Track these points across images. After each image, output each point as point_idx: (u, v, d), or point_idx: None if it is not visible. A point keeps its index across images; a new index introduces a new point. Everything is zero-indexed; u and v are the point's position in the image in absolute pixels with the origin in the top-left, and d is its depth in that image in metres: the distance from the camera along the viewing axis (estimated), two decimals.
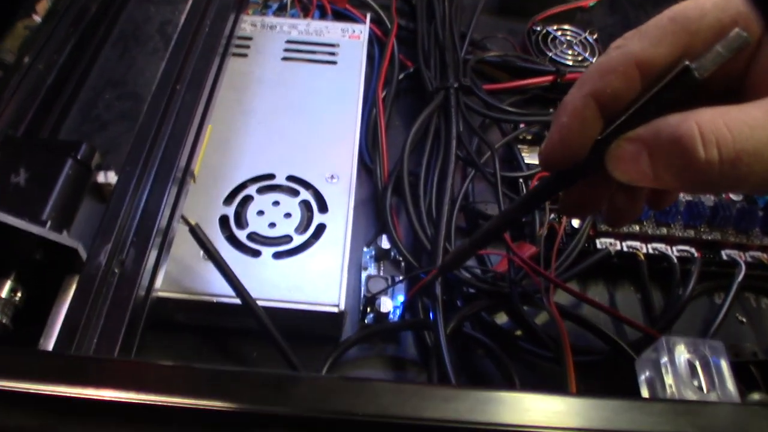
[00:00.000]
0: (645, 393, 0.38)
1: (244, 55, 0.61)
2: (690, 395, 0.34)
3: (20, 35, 0.62)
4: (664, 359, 0.36)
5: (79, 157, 0.43)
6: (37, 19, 0.64)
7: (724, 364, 0.35)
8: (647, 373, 0.38)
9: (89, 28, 0.64)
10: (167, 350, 0.46)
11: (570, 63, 0.69)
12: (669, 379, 0.35)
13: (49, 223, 0.39)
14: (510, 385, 0.46)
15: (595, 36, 0.73)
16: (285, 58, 0.61)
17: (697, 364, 0.35)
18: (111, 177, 0.44)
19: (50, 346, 0.34)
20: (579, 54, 0.70)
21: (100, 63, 0.66)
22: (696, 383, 0.35)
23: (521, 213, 0.37)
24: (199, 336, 0.47)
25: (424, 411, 0.26)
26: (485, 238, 0.40)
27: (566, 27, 0.73)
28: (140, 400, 0.26)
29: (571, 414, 0.27)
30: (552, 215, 0.53)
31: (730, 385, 0.34)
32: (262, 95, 0.57)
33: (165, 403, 0.26)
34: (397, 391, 0.27)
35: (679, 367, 0.35)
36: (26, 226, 0.36)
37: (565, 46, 0.70)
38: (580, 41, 0.71)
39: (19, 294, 0.38)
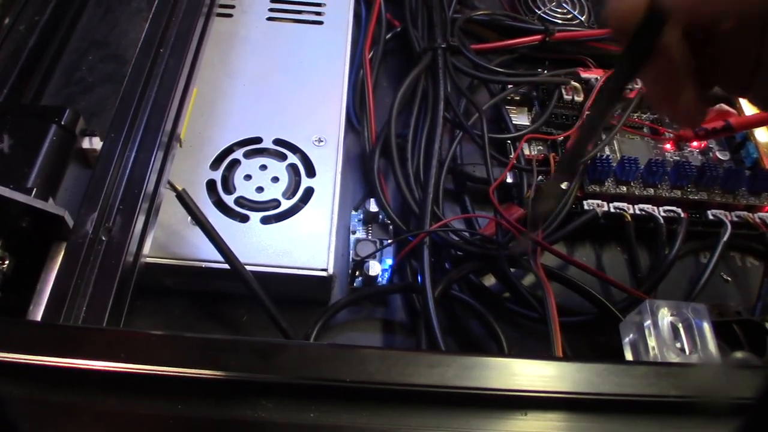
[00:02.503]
0: (628, 355, 0.38)
1: (229, 15, 0.60)
2: (672, 357, 0.35)
3: None
4: (648, 322, 0.36)
5: (63, 123, 0.42)
6: None
7: (707, 327, 0.36)
8: (631, 336, 0.38)
9: None
10: (157, 315, 0.46)
11: (559, 21, 0.68)
12: (652, 342, 0.36)
13: (34, 191, 0.39)
14: (497, 347, 0.46)
15: None
16: (270, 18, 0.60)
17: (680, 326, 0.36)
18: (96, 142, 0.44)
19: (39, 316, 0.34)
20: (568, 12, 0.69)
21: (82, 24, 0.65)
22: (678, 345, 0.35)
23: (617, 97, 0.35)
24: (188, 301, 0.47)
25: (411, 377, 0.26)
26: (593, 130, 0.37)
27: None
28: (129, 369, 0.26)
29: (556, 378, 0.27)
30: (540, 177, 0.53)
31: (712, 346, 0.35)
32: (247, 56, 0.56)
33: (154, 373, 0.26)
34: (384, 357, 0.27)
35: (662, 329, 0.35)
36: (11, 194, 0.36)
37: (554, 3, 0.70)
38: None
39: (6, 262, 0.38)
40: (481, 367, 0.27)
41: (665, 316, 0.36)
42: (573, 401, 0.28)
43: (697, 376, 0.29)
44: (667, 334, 0.35)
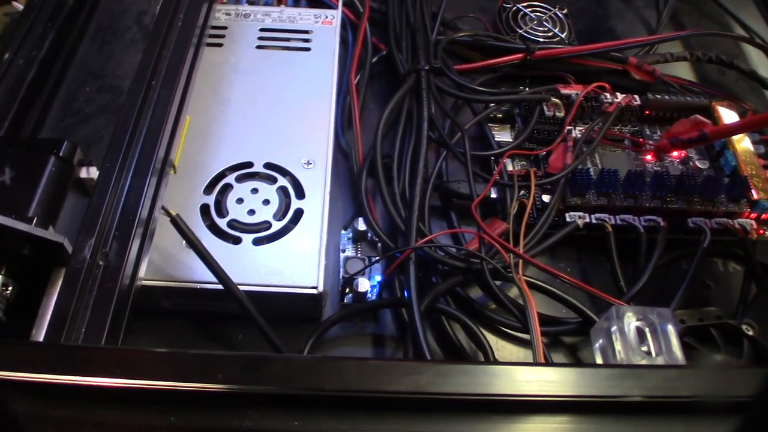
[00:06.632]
0: (599, 360, 0.40)
1: (220, 45, 0.62)
2: (638, 360, 0.37)
3: (1, 22, 0.64)
4: (614, 327, 0.38)
5: (61, 154, 0.44)
6: (18, 6, 0.65)
7: (671, 329, 0.37)
8: (600, 341, 0.40)
9: (67, 21, 0.65)
10: (156, 337, 0.48)
11: (540, 39, 0.70)
12: (618, 346, 0.37)
13: (35, 220, 0.41)
14: (485, 357, 0.48)
15: (565, 11, 0.74)
16: (259, 47, 0.62)
17: (647, 330, 0.37)
18: (93, 172, 0.46)
19: (41, 338, 0.36)
20: (549, 30, 0.71)
21: (79, 56, 0.67)
22: (645, 349, 0.37)
23: None
24: (185, 322, 0.49)
25: (386, 384, 0.28)
26: None
27: (536, 3, 0.74)
28: (124, 384, 0.28)
29: (522, 382, 0.29)
30: (522, 192, 0.55)
31: (676, 348, 0.37)
32: (237, 84, 0.58)
33: (147, 387, 0.28)
34: (361, 367, 0.29)
35: (628, 333, 0.37)
36: (13, 223, 0.38)
37: (535, 22, 0.72)
38: (550, 17, 0.73)
39: (10, 288, 0.39)
40: (454, 373, 0.29)
41: (631, 321, 0.37)
42: (546, 404, 0.30)
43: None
44: (633, 338, 0.37)
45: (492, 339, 0.50)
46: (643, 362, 0.36)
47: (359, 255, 0.53)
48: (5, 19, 0.64)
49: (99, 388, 0.28)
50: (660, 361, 0.36)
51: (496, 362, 0.30)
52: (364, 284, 0.49)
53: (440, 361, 0.28)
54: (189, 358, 0.29)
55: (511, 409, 0.29)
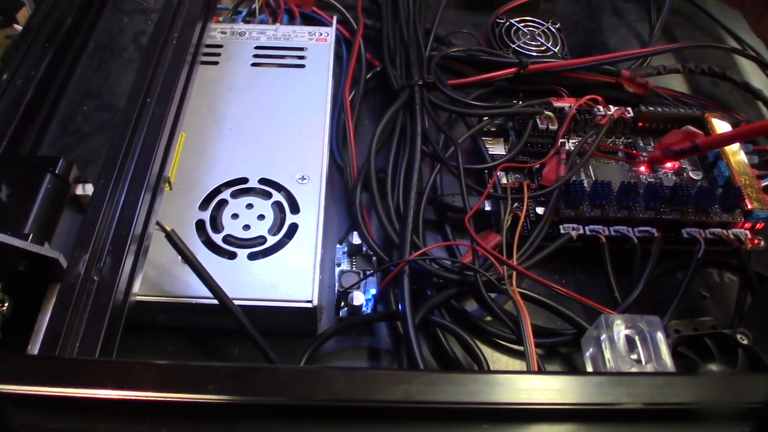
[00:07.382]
0: (589, 368, 0.40)
1: (215, 63, 0.63)
2: (627, 367, 0.37)
3: (2, 44, 0.64)
4: (604, 336, 0.38)
5: (57, 172, 0.45)
6: (18, 27, 0.66)
7: (660, 337, 0.38)
8: (591, 350, 0.40)
9: (65, 41, 0.66)
10: (153, 352, 0.48)
11: (533, 54, 0.71)
12: (608, 354, 0.37)
13: (31, 236, 0.41)
14: (480, 369, 0.48)
15: (557, 25, 0.75)
16: (254, 64, 0.63)
17: (636, 338, 0.38)
18: (88, 189, 0.46)
19: (36, 352, 0.36)
20: (542, 44, 0.72)
21: (77, 75, 0.68)
22: (635, 356, 0.37)
23: None
24: (181, 337, 0.49)
25: (375, 394, 0.28)
26: None
27: (529, 18, 0.75)
28: (116, 396, 0.28)
29: (512, 390, 0.29)
30: (515, 204, 0.56)
31: (666, 356, 0.37)
32: (233, 101, 0.59)
33: (139, 398, 0.28)
34: (350, 376, 0.29)
35: (618, 342, 0.37)
36: (9, 240, 0.38)
37: (528, 37, 0.73)
38: (543, 31, 0.74)
39: (6, 304, 0.40)
40: (443, 382, 0.29)
41: (620, 329, 0.38)
42: (535, 412, 0.30)
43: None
44: (622, 346, 0.37)
45: (487, 351, 0.50)
46: (633, 370, 0.36)
47: (354, 269, 0.53)
48: (7, 41, 0.65)
49: (92, 399, 0.28)
50: (649, 368, 0.36)
51: (486, 371, 0.30)
52: (359, 298, 0.50)
53: (429, 371, 0.28)
54: (180, 370, 0.30)
55: (500, 418, 0.29)
